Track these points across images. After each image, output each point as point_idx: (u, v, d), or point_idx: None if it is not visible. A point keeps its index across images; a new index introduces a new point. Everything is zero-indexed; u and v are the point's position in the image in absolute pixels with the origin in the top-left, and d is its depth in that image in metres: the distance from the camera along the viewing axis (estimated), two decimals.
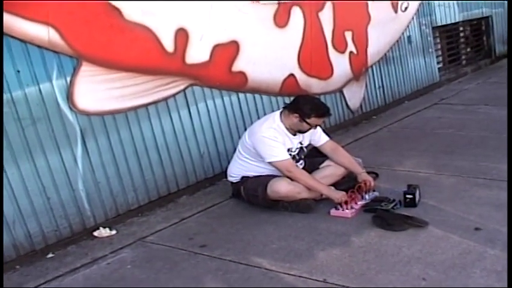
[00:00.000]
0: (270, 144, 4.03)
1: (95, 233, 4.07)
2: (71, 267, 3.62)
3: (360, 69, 6.61)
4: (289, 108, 4.14)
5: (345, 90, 6.42)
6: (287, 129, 4.15)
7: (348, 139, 5.98)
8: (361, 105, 6.73)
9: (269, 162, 4.07)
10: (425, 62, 7.93)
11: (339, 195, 3.97)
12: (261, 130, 4.11)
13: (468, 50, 9.75)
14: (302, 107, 4.08)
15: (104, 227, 4.12)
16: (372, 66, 6.89)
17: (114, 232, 4.10)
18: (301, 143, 4.28)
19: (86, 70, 3.98)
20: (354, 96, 6.58)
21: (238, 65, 5.03)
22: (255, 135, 4.10)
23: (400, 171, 4.79)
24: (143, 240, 3.95)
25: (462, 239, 3.41)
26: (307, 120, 4.07)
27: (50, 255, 3.81)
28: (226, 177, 4.51)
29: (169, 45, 4.45)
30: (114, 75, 4.13)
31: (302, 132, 4.19)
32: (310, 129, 4.16)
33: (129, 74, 4.22)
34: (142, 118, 4.36)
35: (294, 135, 4.20)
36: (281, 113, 4.20)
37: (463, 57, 9.54)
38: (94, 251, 3.83)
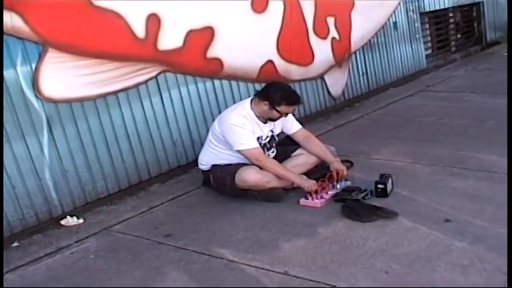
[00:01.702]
0: (238, 132, 3.95)
1: (62, 222, 4.01)
2: (34, 256, 3.56)
3: (342, 56, 6.51)
4: (259, 96, 4.05)
5: (326, 77, 6.32)
6: (257, 117, 4.07)
7: (328, 126, 5.91)
8: (343, 92, 6.63)
9: (237, 151, 3.99)
10: (412, 48, 7.82)
11: (309, 184, 3.89)
12: (229, 117, 4.03)
13: (458, 36, 9.64)
14: (272, 94, 3.99)
15: (72, 216, 4.05)
16: (355, 53, 6.78)
17: (81, 221, 4.04)
18: (272, 131, 4.20)
19: (52, 57, 3.88)
20: (336, 83, 6.48)
21: (214, 51, 4.93)
22: (224, 123, 4.02)
23: (376, 160, 4.71)
24: (109, 229, 3.89)
25: (430, 231, 3.34)
26: (277, 108, 3.98)
27: (15, 244, 3.75)
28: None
29: (140, 31, 4.35)
30: (83, 62, 4.04)
31: (273, 120, 4.11)
32: (280, 117, 4.07)
33: (98, 61, 4.13)
34: (112, 105, 4.28)
35: (265, 123, 4.12)
36: (252, 100, 4.11)
37: (453, 43, 9.43)
38: (59, 240, 3.77)
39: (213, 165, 4.18)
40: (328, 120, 6.19)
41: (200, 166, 4.32)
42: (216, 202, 4.12)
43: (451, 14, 9.21)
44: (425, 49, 8.32)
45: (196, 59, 4.83)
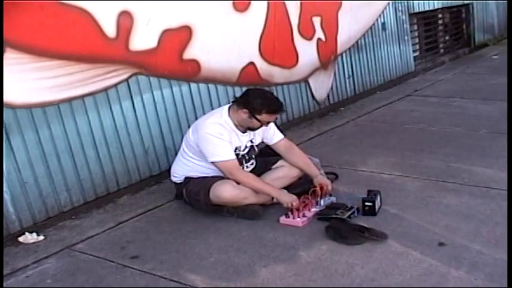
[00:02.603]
0: (213, 141, 3.62)
1: (20, 239, 3.64)
2: None
3: (328, 58, 6.19)
4: (237, 103, 3.72)
5: (310, 80, 6.00)
6: (236, 125, 3.73)
7: (311, 133, 5.60)
8: (328, 96, 6.32)
9: (212, 162, 3.66)
10: (400, 50, 7.54)
11: (289, 199, 3.58)
12: (205, 126, 3.69)
13: (447, 38, 9.40)
14: (252, 101, 3.66)
15: (31, 232, 3.69)
16: (341, 54, 6.47)
17: (41, 238, 3.68)
18: (251, 141, 3.87)
19: (11, 58, 3.51)
20: (321, 86, 6.17)
21: (191, 53, 4.59)
22: (199, 132, 3.68)
23: (363, 171, 4.41)
24: (71, 248, 3.53)
25: (424, 257, 3.04)
26: (257, 117, 3.65)
27: None
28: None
29: (110, 30, 4.00)
30: (45, 64, 3.67)
31: (252, 129, 3.78)
32: (260, 126, 3.74)
33: (62, 62, 3.77)
34: (78, 111, 3.92)
35: (244, 132, 3.79)
36: (230, 107, 3.78)
37: (441, 45, 9.19)
38: (16, 260, 3.41)
39: (186, 178, 3.85)
40: (312, 126, 5.87)
41: (173, 178, 3.98)
42: (188, 218, 3.79)
43: (440, 15, 8.95)
44: (413, 51, 8.03)
45: (171, 61, 4.48)
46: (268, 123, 3.75)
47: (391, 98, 6.72)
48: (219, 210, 3.70)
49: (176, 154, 4.42)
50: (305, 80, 5.93)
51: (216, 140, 3.61)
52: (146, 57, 4.27)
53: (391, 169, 4.37)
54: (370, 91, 6.95)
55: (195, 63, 4.66)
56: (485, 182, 3.96)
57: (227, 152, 3.64)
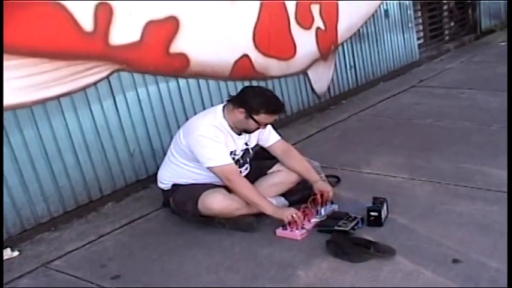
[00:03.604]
0: (208, 145, 3.25)
1: None
2: None
3: (328, 48, 5.81)
4: (233, 102, 3.34)
5: (310, 72, 5.62)
6: (231, 127, 3.37)
7: (311, 129, 5.22)
8: (329, 89, 5.94)
9: (208, 168, 3.29)
10: (404, 38, 7.13)
11: (288, 213, 3.21)
12: (198, 128, 3.31)
13: (452, 24, 8.97)
14: (250, 100, 3.27)
15: (5, 247, 3.36)
16: (342, 44, 6.07)
17: (16, 253, 3.37)
18: (246, 144, 3.50)
19: None
20: (321, 78, 5.79)
21: (178, 46, 4.22)
22: (192, 134, 3.31)
23: (367, 174, 4.06)
24: (48, 265, 3.20)
25: (436, 277, 2.70)
26: (255, 117, 3.27)
27: None
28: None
29: (87, 23, 3.63)
30: (15, 62, 3.31)
31: (248, 132, 3.41)
32: (257, 128, 3.37)
33: (34, 60, 3.41)
34: (53, 113, 3.57)
35: (239, 134, 3.42)
36: (224, 107, 3.42)
37: (446, 32, 8.77)
38: None
39: (174, 185, 3.50)
40: (312, 121, 5.50)
41: (159, 184, 3.63)
42: (177, 230, 3.44)
43: (444, 1, 8.54)
44: (417, 39, 7.62)
45: (157, 55, 4.12)
46: (266, 124, 3.38)
47: (395, 90, 6.33)
48: (209, 221, 3.35)
49: (164, 155, 4.10)
50: (304, 72, 5.56)
51: (211, 143, 3.25)
52: (128, 52, 3.91)
53: (398, 171, 4.02)
54: (373, 82, 6.57)
55: (183, 57, 4.29)
56: (499, 186, 3.60)
57: (224, 156, 3.28)
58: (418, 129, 4.96)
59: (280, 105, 3.35)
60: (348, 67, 6.18)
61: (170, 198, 3.49)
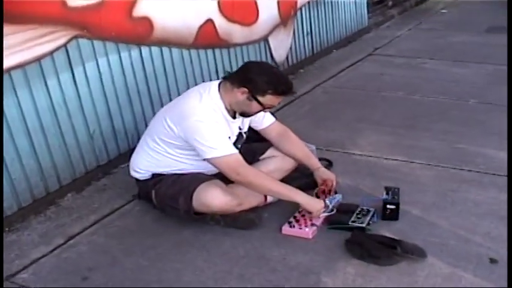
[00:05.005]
0: (210, 132, 2.72)
1: None
2: None
3: (288, 12, 5.35)
4: (233, 80, 2.81)
5: (270, 39, 5.16)
6: (226, 109, 2.87)
7: None
8: (287, 57, 5.51)
9: (207, 159, 2.77)
10: (355, 3, 6.78)
11: (320, 207, 2.81)
12: (194, 112, 2.75)
13: None
14: (255, 78, 2.75)
15: None
16: (300, 9, 5.63)
17: None
18: (240, 128, 3.02)
19: None
20: (281, 45, 5.34)
21: (142, 9, 3.62)
22: (187, 120, 2.74)
23: (359, 156, 3.70)
24: (12, 280, 2.61)
25: (480, 280, 2.42)
26: (260, 99, 2.77)
27: None
28: (129, 170, 3.16)
29: None
30: None
31: (247, 115, 2.93)
32: (259, 111, 2.89)
33: None
34: (4, 90, 2.92)
35: (234, 117, 2.93)
36: (219, 84, 2.89)
37: None
38: None
39: (155, 175, 2.97)
40: None
41: (134, 173, 3.08)
42: (161, 229, 2.93)
43: None
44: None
45: (119, 19, 3.51)
46: (270, 107, 2.89)
47: (352, 59, 5.98)
48: (201, 218, 2.87)
49: (127, 137, 3.59)
50: (265, 39, 5.08)
51: (212, 130, 2.73)
52: (88, 15, 3.29)
53: (390, 152, 3.69)
54: (326, 50, 6.18)
55: (147, 21, 3.70)
56: (505, 170, 3.36)
57: (228, 144, 2.78)
58: (392, 103, 4.65)
59: (290, 84, 2.84)
60: (305, 33, 5.75)
61: (152, 191, 2.96)
